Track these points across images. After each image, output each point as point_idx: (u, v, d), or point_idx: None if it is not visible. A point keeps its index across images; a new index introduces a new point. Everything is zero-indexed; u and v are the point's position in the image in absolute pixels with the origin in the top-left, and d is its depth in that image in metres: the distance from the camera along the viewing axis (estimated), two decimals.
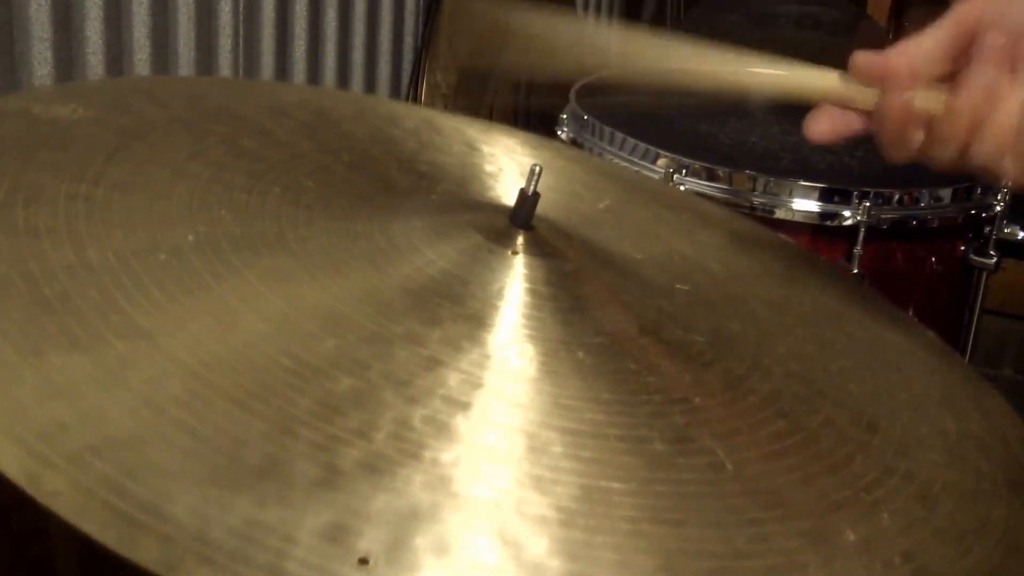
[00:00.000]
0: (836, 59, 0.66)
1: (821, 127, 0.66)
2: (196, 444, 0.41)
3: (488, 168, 0.75)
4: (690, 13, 2.31)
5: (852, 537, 0.48)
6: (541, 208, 0.61)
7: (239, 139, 0.66)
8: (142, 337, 0.46)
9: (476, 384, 0.49)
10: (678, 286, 0.67)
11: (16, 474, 0.38)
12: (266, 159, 0.64)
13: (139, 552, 0.37)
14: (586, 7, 2.48)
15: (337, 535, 0.40)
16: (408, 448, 0.44)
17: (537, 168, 0.60)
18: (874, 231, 1.11)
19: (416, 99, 1.86)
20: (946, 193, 1.15)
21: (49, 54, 1.25)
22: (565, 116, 1.26)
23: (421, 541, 0.41)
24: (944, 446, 0.58)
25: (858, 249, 1.09)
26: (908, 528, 0.50)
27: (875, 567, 0.47)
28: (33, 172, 0.55)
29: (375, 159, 0.70)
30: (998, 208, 1.18)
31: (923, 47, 0.63)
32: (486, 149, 0.78)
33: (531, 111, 1.91)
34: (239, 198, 0.58)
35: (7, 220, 0.51)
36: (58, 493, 0.38)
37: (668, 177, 1.12)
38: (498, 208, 0.64)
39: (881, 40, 1.94)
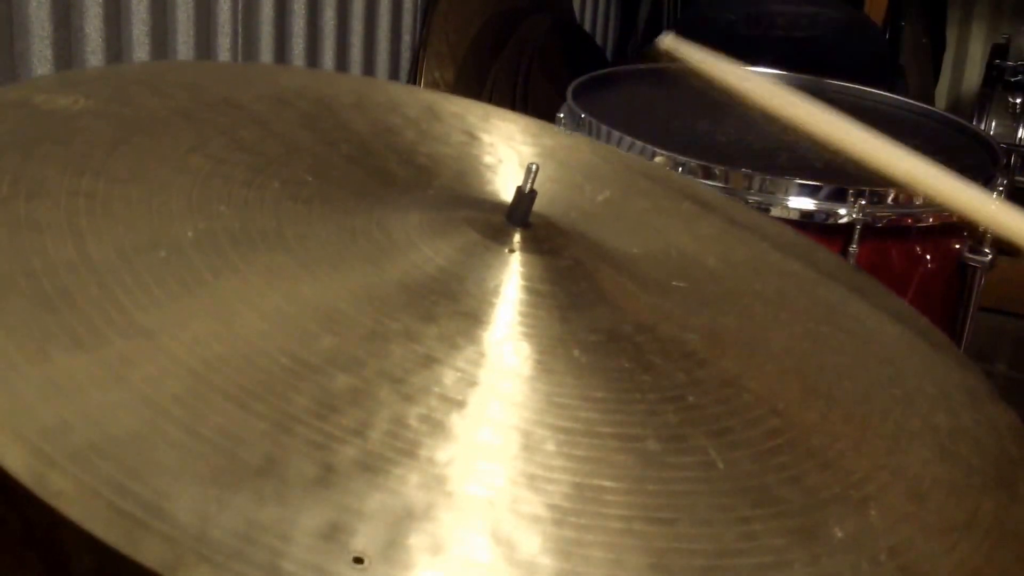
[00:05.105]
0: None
1: None
2: (196, 443, 0.42)
3: (487, 159, 0.75)
4: (686, 13, 2.31)
5: (840, 534, 0.48)
6: (540, 201, 0.61)
7: (239, 131, 0.65)
8: (143, 335, 0.46)
9: (471, 382, 0.49)
10: (675, 283, 0.67)
11: (22, 473, 0.38)
12: (265, 152, 0.64)
13: (142, 552, 0.37)
14: (583, 5, 2.49)
15: (333, 534, 0.40)
16: (403, 447, 0.45)
17: (534, 167, 0.60)
18: (869, 229, 1.11)
19: None
20: None
21: (49, 52, 1.25)
22: (562, 115, 1.26)
23: (415, 540, 0.41)
24: (935, 441, 0.58)
25: (853, 247, 1.09)
26: (896, 524, 0.50)
27: (861, 564, 0.47)
28: (35, 166, 0.55)
29: (374, 151, 0.70)
30: None
31: None
32: (486, 138, 0.78)
33: (528, 110, 1.91)
34: (238, 193, 0.58)
35: (10, 215, 0.51)
36: (63, 493, 0.38)
37: None
38: (496, 204, 0.64)
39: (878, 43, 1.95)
